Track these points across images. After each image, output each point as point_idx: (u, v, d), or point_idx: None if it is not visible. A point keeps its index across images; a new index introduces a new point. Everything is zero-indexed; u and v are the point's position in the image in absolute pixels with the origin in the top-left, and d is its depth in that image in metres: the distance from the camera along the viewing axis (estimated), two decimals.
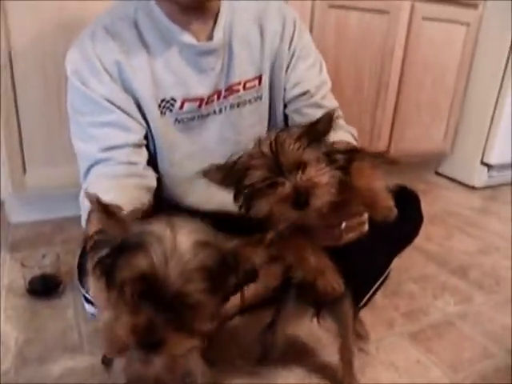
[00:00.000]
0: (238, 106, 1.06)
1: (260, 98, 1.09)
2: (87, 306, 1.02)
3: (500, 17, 2.17)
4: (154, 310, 0.52)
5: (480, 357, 1.13)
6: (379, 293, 1.17)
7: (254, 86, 1.07)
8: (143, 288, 0.52)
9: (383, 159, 0.85)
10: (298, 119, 1.09)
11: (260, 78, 1.07)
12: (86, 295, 0.98)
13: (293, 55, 1.10)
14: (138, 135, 0.96)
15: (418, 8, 2.00)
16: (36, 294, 1.21)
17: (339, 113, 1.02)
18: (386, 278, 1.23)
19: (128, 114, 0.96)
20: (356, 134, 1.10)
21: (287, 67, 1.10)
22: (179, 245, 0.53)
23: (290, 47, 1.10)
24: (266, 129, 1.11)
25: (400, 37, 2.00)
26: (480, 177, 2.38)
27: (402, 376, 1.05)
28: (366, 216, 0.82)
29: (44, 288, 1.22)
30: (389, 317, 1.25)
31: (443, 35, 2.16)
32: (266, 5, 1.08)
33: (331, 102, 1.12)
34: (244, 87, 1.06)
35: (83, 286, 0.99)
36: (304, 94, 1.10)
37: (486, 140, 2.31)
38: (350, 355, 0.98)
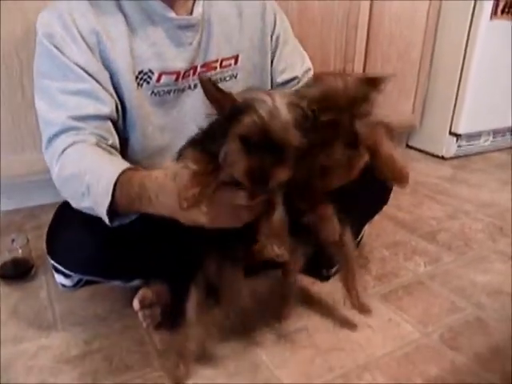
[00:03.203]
0: None
1: (235, 76, 1.11)
2: (58, 278, 1.03)
3: None
4: (263, 154, 0.67)
5: (448, 311, 1.17)
6: None
7: (230, 64, 1.10)
8: (256, 137, 0.67)
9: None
10: None
11: (236, 58, 1.10)
12: (57, 266, 0.99)
13: (277, 40, 1.16)
14: (109, 108, 0.96)
15: None
16: (8, 278, 1.21)
17: None
18: (358, 245, 1.27)
19: (101, 85, 0.95)
20: None
21: (273, 53, 1.16)
22: (277, 105, 0.67)
23: (273, 32, 1.15)
24: None
25: (363, 13, 2.02)
26: (449, 147, 2.43)
27: (375, 333, 1.08)
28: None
29: (15, 272, 1.21)
30: (361, 281, 1.28)
31: (406, 9, 2.18)
32: None
33: None
34: (221, 65, 1.09)
35: (53, 257, 0.99)
36: (292, 79, 1.17)
37: (454, 111, 2.35)
38: (354, 281, 1.04)
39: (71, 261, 0.97)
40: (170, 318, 1.01)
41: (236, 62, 1.11)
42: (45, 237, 1.02)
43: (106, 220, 0.83)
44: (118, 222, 0.85)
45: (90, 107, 0.93)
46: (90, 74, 0.94)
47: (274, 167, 0.68)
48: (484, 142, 2.57)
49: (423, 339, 1.07)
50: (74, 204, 0.90)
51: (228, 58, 1.10)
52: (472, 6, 2.16)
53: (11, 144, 1.50)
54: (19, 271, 1.22)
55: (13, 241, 1.23)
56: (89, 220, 0.91)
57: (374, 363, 0.99)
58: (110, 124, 0.97)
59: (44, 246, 1.02)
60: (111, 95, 0.97)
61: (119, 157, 0.96)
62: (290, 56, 1.20)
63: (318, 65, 1.95)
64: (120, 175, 0.81)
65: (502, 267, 1.38)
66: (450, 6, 2.26)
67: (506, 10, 2.16)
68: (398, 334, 1.08)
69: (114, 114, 0.98)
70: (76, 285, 1.04)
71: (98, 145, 0.92)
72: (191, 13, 1.03)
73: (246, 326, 1.07)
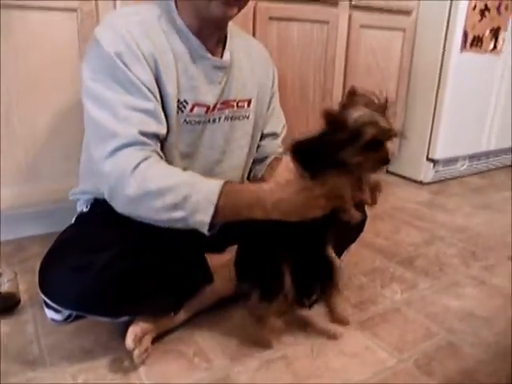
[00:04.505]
0: (231, 120, 1.19)
1: (247, 117, 1.24)
2: (49, 313, 1.06)
3: (433, 20, 2.31)
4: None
5: (423, 337, 1.22)
6: None
7: (244, 106, 1.22)
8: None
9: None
10: (261, 153, 1.34)
11: (249, 102, 1.23)
12: (48, 301, 1.03)
13: (273, 93, 1.32)
14: (165, 129, 1.04)
15: (355, 17, 2.11)
16: None
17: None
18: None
19: (160, 106, 1.02)
20: None
21: (269, 102, 1.31)
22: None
23: (272, 85, 1.32)
24: (249, 144, 1.27)
25: (340, 45, 2.11)
26: (426, 172, 2.51)
27: (353, 360, 1.12)
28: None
29: (2, 306, 1.23)
30: (342, 297, 1.32)
31: (382, 42, 2.28)
32: (249, 40, 1.31)
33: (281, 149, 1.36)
34: (237, 105, 1.20)
35: (44, 294, 1.02)
36: (272, 134, 1.34)
37: (430, 138, 2.45)
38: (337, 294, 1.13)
39: (63, 298, 1.01)
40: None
41: (249, 105, 1.23)
42: (34, 270, 1.05)
43: (205, 227, 0.93)
44: (213, 229, 0.94)
45: (154, 126, 1.00)
46: (153, 94, 1.00)
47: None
48: (460, 167, 2.67)
49: (399, 365, 1.11)
50: (156, 216, 0.96)
51: (243, 101, 1.22)
52: (443, 39, 2.27)
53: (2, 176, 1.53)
54: (6, 306, 1.24)
55: (0, 275, 1.26)
56: (82, 259, 0.97)
57: None
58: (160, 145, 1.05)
59: (31, 279, 1.04)
60: (164, 118, 1.04)
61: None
62: (278, 111, 1.37)
63: (298, 97, 2.05)
64: (222, 187, 0.93)
65: (474, 291, 1.44)
66: (423, 39, 2.37)
67: (475, 43, 2.27)
68: (374, 360, 1.12)
69: (165, 135, 1.05)
70: (66, 319, 1.07)
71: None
72: (221, 55, 1.15)
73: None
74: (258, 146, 1.34)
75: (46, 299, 1.03)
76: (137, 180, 0.93)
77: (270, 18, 1.85)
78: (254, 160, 1.35)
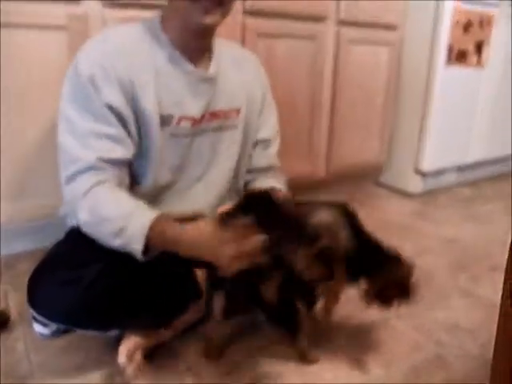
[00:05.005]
0: (218, 131, 1.21)
1: (236, 127, 1.25)
2: (37, 327, 1.07)
3: (419, 35, 2.36)
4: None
5: (411, 350, 1.23)
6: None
7: (232, 116, 1.23)
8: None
9: None
10: (252, 162, 1.34)
11: (238, 111, 1.24)
12: (36, 316, 1.04)
13: (264, 103, 1.32)
14: (131, 153, 1.07)
15: (342, 32, 2.15)
16: None
17: (276, 163, 1.37)
18: None
19: (127, 129, 1.05)
20: (283, 182, 1.36)
21: (259, 111, 1.31)
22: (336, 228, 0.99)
23: (263, 93, 1.32)
24: (237, 154, 1.28)
25: (328, 60, 2.15)
26: (415, 184, 2.54)
27: (341, 374, 1.13)
28: None
29: None
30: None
31: (369, 57, 2.31)
32: (238, 50, 1.35)
33: (275, 160, 1.38)
34: (225, 115, 1.21)
35: (33, 307, 1.04)
36: (264, 141, 1.33)
37: (418, 150, 2.48)
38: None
39: (52, 312, 1.03)
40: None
41: (238, 114, 1.24)
42: (23, 287, 1.06)
43: (139, 256, 0.97)
44: (147, 257, 0.98)
45: (118, 151, 1.03)
46: (120, 118, 1.03)
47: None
48: (448, 179, 2.70)
49: (387, 378, 1.12)
50: (104, 240, 1.00)
51: (232, 110, 1.23)
52: (428, 53, 2.32)
53: None
54: None
55: None
56: (71, 273, 1.00)
57: None
58: (127, 168, 1.09)
59: (21, 296, 1.05)
60: (135, 139, 1.07)
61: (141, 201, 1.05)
62: (270, 118, 1.37)
63: (287, 112, 2.07)
64: (153, 222, 0.96)
65: (460, 303, 1.46)
66: (409, 53, 2.42)
67: (459, 57, 2.33)
68: (363, 374, 1.14)
69: (133, 157, 1.08)
70: (54, 334, 1.08)
71: (119, 186, 1.04)
72: (207, 67, 1.16)
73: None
74: (250, 156, 1.34)
75: (34, 313, 1.05)
76: (88, 204, 1.00)
77: (259, 35, 1.88)
78: (247, 170, 1.35)
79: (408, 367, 1.17)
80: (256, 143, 1.33)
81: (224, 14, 1.07)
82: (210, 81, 1.16)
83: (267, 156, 1.35)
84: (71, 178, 1.01)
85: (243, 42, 1.84)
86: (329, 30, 2.10)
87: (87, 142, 1.01)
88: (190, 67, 1.12)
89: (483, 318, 1.38)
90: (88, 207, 0.99)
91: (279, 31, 1.95)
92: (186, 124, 1.13)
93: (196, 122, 1.15)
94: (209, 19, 1.04)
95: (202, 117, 1.16)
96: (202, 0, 1.01)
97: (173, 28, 1.09)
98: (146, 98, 1.06)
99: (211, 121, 1.19)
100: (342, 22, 2.14)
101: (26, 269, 1.47)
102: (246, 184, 1.35)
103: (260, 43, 1.89)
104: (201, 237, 0.96)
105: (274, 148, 1.36)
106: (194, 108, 1.14)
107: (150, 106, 1.06)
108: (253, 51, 1.84)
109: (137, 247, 0.96)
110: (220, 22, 1.08)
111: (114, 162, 1.03)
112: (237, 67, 1.25)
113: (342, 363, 1.17)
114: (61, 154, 1.04)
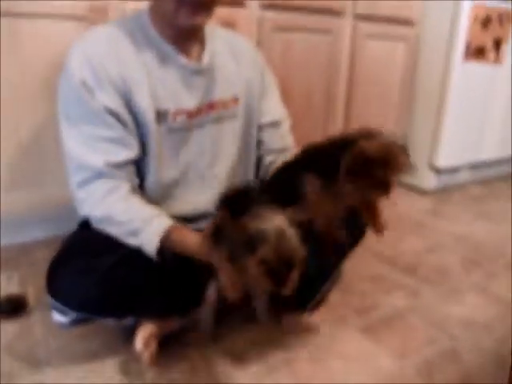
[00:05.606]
0: (217, 122, 1.20)
1: (236, 116, 1.23)
2: (56, 315, 1.08)
3: (436, 30, 2.35)
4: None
5: (424, 343, 1.23)
6: (332, 293, 1.29)
7: (231, 106, 1.22)
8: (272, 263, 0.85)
9: None
10: (267, 145, 1.32)
11: (236, 100, 1.23)
12: (55, 305, 1.05)
13: (263, 85, 1.29)
14: (136, 152, 1.07)
15: (359, 27, 2.14)
16: (3, 315, 1.25)
17: (291, 141, 1.35)
18: (337, 279, 1.33)
19: (127, 129, 1.05)
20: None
21: (259, 95, 1.28)
22: (284, 230, 0.87)
23: (262, 78, 1.29)
24: (239, 143, 1.26)
25: (344, 55, 2.14)
26: (430, 181, 2.53)
27: (353, 365, 1.14)
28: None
29: (11, 308, 1.25)
30: (342, 313, 1.35)
31: (385, 52, 2.31)
32: (232, 37, 1.28)
33: (290, 138, 1.35)
34: (223, 106, 1.20)
35: (52, 296, 1.05)
36: (272, 123, 1.30)
37: (433, 146, 2.47)
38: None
39: (70, 300, 1.04)
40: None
41: (236, 104, 1.23)
42: (41, 273, 1.08)
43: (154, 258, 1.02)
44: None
45: (122, 154, 1.04)
46: (118, 119, 1.03)
47: (288, 274, 0.88)
48: (462, 176, 2.69)
49: (400, 371, 1.13)
50: (120, 238, 1.04)
51: (229, 100, 1.21)
52: (446, 49, 2.30)
53: (8, 181, 1.55)
54: (14, 308, 1.26)
55: (9, 278, 1.28)
56: (87, 262, 1.02)
57: None
58: (135, 166, 1.09)
59: (39, 282, 1.07)
60: (136, 137, 1.07)
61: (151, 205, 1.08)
62: (274, 102, 1.33)
63: (303, 104, 2.07)
64: (165, 231, 1.01)
65: (475, 299, 1.46)
66: (426, 49, 2.40)
67: (477, 53, 2.30)
68: (375, 365, 1.14)
69: (139, 156, 1.09)
70: (72, 323, 1.10)
71: (133, 191, 1.06)
72: (200, 59, 1.15)
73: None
74: (260, 142, 1.32)
75: (53, 302, 1.06)
76: (102, 211, 1.03)
77: (275, 29, 1.88)
78: (260, 156, 1.33)
79: (421, 360, 1.17)
80: (263, 127, 1.30)
81: (210, 15, 1.07)
82: (204, 72, 1.15)
83: (281, 135, 1.33)
84: (83, 184, 1.03)
85: (260, 36, 1.84)
86: (346, 24, 2.10)
87: (91, 147, 1.01)
88: (182, 60, 1.11)
89: (498, 313, 1.38)
90: (103, 214, 1.03)
91: (296, 25, 1.95)
92: (182, 118, 1.12)
93: (192, 114, 1.14)
94: (195, 20, 1.05)
95: (199, 109, 1.15)
96: (186, 5, 1.01)
97: (162, 24, 1.08)
98: (141, 95, 1.05)
99: (209, 112, 1.18)
100: (359, 17, 2.13)
101: (43, 255, 1.51)
102: (271, 164, 1.32)
103: (276, 37, 1.89)
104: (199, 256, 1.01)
105: (285, 125, 1.34)
106: (190, 101, 1.13)
107: (145, 103, 1.06)
108: (269, 45, 1.87)
109: (151, 249, 1.01)
110: (206, 21, 1.08)
111: (121, 165, 1.04)
112: (231, 54, 1.23)
113: (353, 355, 1.17)
114: (67, 159, 1.05)
